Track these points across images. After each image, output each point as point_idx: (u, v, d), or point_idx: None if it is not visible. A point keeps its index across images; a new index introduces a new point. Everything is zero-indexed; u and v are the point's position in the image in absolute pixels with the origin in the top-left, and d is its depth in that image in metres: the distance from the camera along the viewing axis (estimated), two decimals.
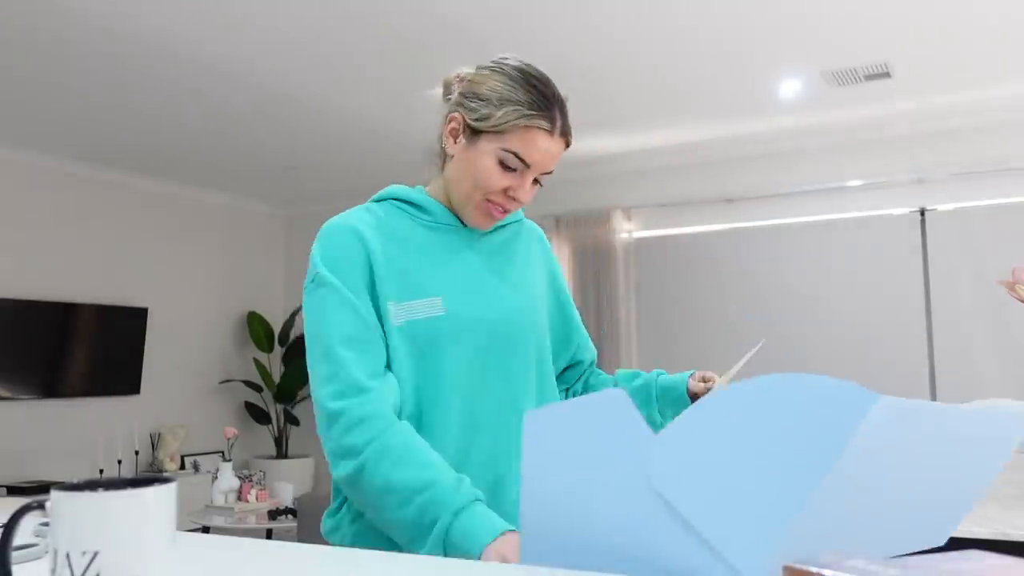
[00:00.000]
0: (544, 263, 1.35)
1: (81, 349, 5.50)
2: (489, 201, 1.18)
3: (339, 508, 1.20)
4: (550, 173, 1.19)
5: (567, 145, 1.20)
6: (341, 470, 1.08)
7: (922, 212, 5.01)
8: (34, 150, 5.31)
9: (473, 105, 1.17)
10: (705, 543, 0.69)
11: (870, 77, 4.22)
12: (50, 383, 5.34)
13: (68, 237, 5.56)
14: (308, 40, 3.70)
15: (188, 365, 6.28)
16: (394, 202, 1.24)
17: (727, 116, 4.88)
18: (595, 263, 5.87)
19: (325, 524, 1.22)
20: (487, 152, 1.16)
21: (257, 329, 6.59)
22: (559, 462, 0.75)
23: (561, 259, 5.97)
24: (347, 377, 1.09)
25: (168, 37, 3.63)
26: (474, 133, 1.17)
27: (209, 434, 6.28)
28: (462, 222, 1.24)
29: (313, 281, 1.16)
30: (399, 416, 1.12)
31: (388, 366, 1.14)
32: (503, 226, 1.30)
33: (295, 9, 3.39)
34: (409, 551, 1.04)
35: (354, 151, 5.46)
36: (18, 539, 0.82)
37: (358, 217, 1.20)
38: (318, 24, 3.53)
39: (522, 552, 0.79)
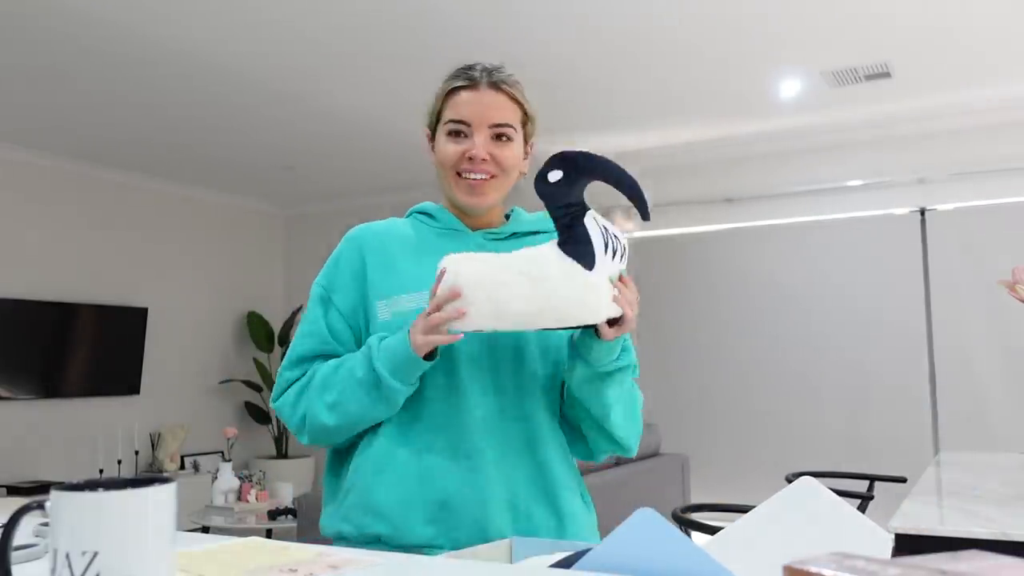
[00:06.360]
0: None
1: (81, 349, 5.50)
2: (460, 175, 1.25)
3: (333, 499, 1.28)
4: (507, 126, 1.24)
5: (510, 97, 1.25)
6: (302, 439, 1.26)
7: (922, 212, 5.01)
8: (34, 149, 5.31)
9: (428, 115, 1.32)
10: None
11: (870, 77, 4.22)
12: (50, 383, 5.33)
13: (68, 237, 5.55)
14: (308, 40, 3.69)
15: (188, 365, 6.28)
16: (417, 215, 1.36)
17: (727, 116, 4.88)
18: None
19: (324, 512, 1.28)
20: (440, 137, 1.28)
21: (257, 329, 6.59)
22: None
23: None
24: (283, 384, 1.28)
25: (168, 37, 3.63)
26: (434, 133, 1.30)
27: (209, 434, 6.27)
28: (470, 228, 1.31)
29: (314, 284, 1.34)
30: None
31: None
32: (523, 234, 1.31)
33: (296, 9, 3.39)
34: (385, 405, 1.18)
35: (354, 151, 5.46)
36: (18, 539, 0.82)
37: (374, 226, 1.34)
38: (318, 24, 3.53)
39: None
